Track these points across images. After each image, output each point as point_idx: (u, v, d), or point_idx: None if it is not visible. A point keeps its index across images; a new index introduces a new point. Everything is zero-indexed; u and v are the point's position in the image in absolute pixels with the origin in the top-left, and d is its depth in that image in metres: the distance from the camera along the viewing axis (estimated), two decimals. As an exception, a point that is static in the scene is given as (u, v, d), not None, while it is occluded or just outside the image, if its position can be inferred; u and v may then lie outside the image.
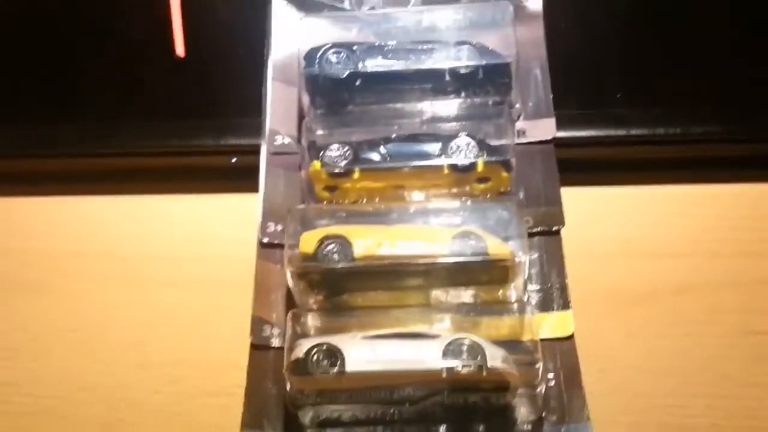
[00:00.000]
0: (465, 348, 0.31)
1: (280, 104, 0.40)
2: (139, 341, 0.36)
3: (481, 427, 0.32)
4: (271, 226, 0.37)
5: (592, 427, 0.32)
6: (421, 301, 0.34)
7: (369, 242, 0.33)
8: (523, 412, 0.32)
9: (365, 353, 0.31)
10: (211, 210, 0.40)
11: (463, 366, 0.30)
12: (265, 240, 0.37)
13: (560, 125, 0.38)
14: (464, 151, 0.35)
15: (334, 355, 0.31)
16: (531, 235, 0.35)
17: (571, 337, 0.34)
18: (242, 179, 0.39)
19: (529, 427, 0.32)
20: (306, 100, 0.38)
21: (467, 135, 0.35)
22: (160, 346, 0.36)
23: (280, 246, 0.35)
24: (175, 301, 0.37)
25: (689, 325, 0.35)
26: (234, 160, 0.40)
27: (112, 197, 0.40)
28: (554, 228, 0.36)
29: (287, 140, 0.39)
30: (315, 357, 0.31)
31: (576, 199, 0.37)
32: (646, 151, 0.39)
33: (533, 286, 0.35)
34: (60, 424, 0.34)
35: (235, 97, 0.41)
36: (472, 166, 0.35)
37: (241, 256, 0.37)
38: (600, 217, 0.38)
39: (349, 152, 0.35)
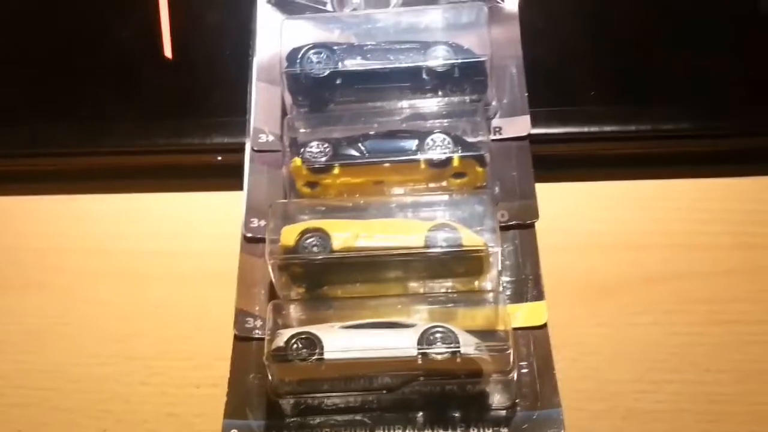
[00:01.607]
0: (439, 336, 0.32)
1: (264, 104, 0.40)
2: (127, 334, 0.37)
3: (457, 414, 0.33)
4: (255, 222, 0.38)
5: (563, 413, 0.33)
6: (398, 293, 0.35)
7: (347, 235, 0.34)
8: (497, 398, 0.33)
9: (343, 341, 0.32)
10: (198, 207, 0.41)
11: (438, 353, 0.31)
12: (249, 235, 0.38)
13: (535, 122, 0.39)
14: (440, 146, 0.36)
15: (313, 343, 0.32)
16: (506, 228, 0.37)
17: (544, 326, 0.35)
18: (227, 177, 0.39)
19: (503, 413, 0.33)
20: (288, 99, 0.39)
21: (442, 132, 0.36)
22: (148, 339, 0.37)
23: (264, 240, 0.36)
24: (163, 295, 0.38)
25: (659, 314, 0.36)
26: (219, 158, 0.41)
27: (101, 195, 0.41)
28: (529, 221, 0.37)
29: (271, 138, 0.40)
30: (294, 345, 0.32)
31: (551, 195, 0.38)
32: (618, 146, 0.40)
33: (508, 278, 0.36)
34: (49, 415, 0.35)
35: (221, 97, 0.42)
36: (447, 161, 0.36)
37: (226, 252, 0.38)
38: (573, 211, 0.39)
39: (328, 149, 0.36)
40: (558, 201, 0.39)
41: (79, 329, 0.37)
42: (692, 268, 0.37)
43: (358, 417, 0.33)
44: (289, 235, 0.34)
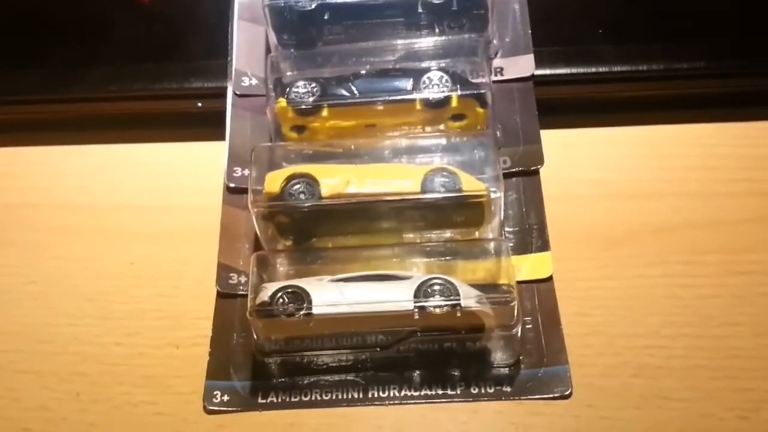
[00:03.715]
0: (438, 288, 0.29)
1: (246, 44, 0.38)
2: (100, 293, 0.34)
3: (457, 372, 0.31)
4: (238, 171, 0.35)
5: (570, 370, 0.31)
6: (393, 244, 0.32)
7: (337, 181, 0.31)
8: (499, 355, 0.31)
9: (333, 295, 0.29)
10: (177, 158, 0.38)
11: (436, 306, 0.29)
12: (232, 185, 0.35)
13: (539, 62, 0.37)
14: (437, 85, 0.33)
15: (300, 297, 0.29)
16: (509, 175, 0.34)
17: (549, 279, 0.33)
18: (208, 126, 0.37)
19: (506, 370, 0.31)
20: (272, 37, 0.36)
21: (440, 69, 0.33)
22: (123, 298, 0.34)
23: (247, 191, 0.34)
24: (139, 252, 0.35)
25: (670, 266, 0.34)
26: (200, 104, 0.38)
27: (72, 147, 0.39)
28: (533, 168, 0.35)
29: (254, 81, 0.37)
30: (280, 300, 0.29)
31: (555, 141, 0.36)
32: (628, 88, 0.37)
33: (511, 228, 0.34)
34: (15, 378, 0.32)
35: (200, 38, 0.39)
36: (445, 101, 0.33)
37: (207, 205, 0.35)
38: (579, 158, 0.37)
39: (316, 89, 0.34)
40: (563, 148, 0.36)
41: (49, 288, 0.35)
42: (705, 217, 0.35)
43: (350, 377, 0.31)
44: (273, 181, 0.31)
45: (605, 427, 0.30)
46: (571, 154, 0.37)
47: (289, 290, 0.30)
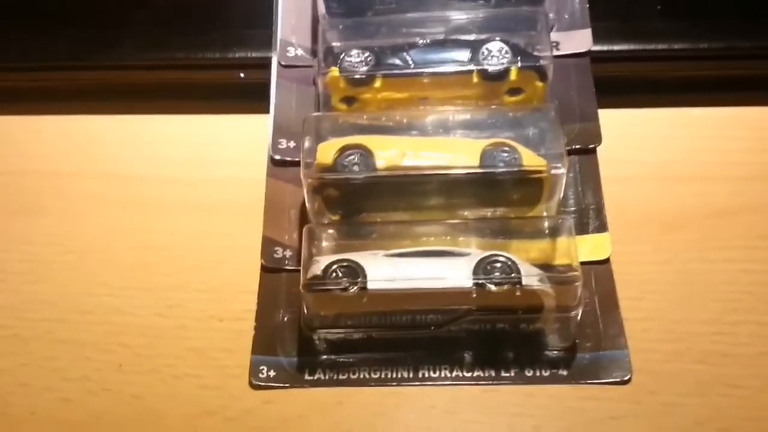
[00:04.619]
0: (499, 266, 0.28)
1: (292, 13, 0.37)
2: (142, 264, 0.34)
3: (511, 354, 0.30)
4: (283, 143, 0.34)
5: (630, 355, 0.30)
6: (447, 220, 0.31)
7: (392, 153, 0.30)
8: (555, 337, 0.30)
9: (389, 270, 0.28)
10: (218, 130, 0.37)
11: (497, 283, 0.28)
12: (277, 157, 0.34)
13: (596, 38, 0.35)
14: (497, 56, 0.32)
15: (354, 271, 0.28)
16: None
17: (607, 261, 0.32)
18: (251, 97, 0.36)
19: (562, 353, 0.30)
20: (321, 6, 0.35)
21: (500, 40, 0.32)
22: (166, 270, 0.33)
23: (293, 163, 0.33)
24: (181, 224, 0.34)
25: (730, 250, 0.33)
26: (242, 75, 0.37)
27: (112, 116, 0.38)
28: (590, 146, 0.34)
29: (300, 52, 0.36)
30: (334, 274, 0.28)
31: (611, 121, 0.35)
32: (687, 67, 0.36)
33: (567, 207, 0.33)
34: (56, 348, 0.32)
35: (244, 5, 0.38)
36: (504, 73, 0.32)
37: (250, 178, 0.34)
38: (636, 139, 0.35)
39: (370, 58, 0.32)
40: (619, 128, 0.35)
41: (89, 258, 0.34)
42: (763, 200, 0.34)
43: (400, 355, 0.30)
44: (326, 151, 0.30)
45: (667, 413, 0.29)
46: (626, 134, 0.35)
47: (343, 264, 0.29)
